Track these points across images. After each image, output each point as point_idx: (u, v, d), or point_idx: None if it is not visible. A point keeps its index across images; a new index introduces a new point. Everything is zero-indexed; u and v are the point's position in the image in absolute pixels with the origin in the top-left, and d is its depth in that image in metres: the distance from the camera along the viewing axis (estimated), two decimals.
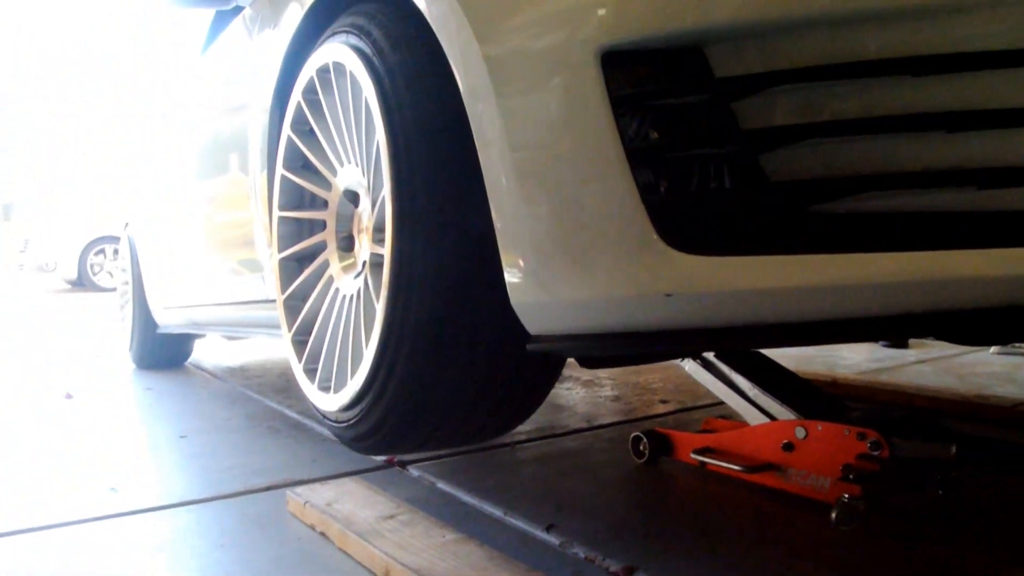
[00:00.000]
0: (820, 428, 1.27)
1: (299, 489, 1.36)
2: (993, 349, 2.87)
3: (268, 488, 1.50)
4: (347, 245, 1.40)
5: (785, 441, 1.31)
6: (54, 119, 20.29)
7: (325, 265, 1.45)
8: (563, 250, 0.92)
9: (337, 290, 1.41)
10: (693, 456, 1.44)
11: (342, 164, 1.39)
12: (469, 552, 1.07)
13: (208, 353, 3.82)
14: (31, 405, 2.51)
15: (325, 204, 1.46)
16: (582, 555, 1.13)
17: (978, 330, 0.94)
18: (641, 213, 0.84)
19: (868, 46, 0.79)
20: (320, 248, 1.47)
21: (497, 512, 1.31)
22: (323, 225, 1.46)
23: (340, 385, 1.31)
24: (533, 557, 1.12)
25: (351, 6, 1.33)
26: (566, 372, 2.74)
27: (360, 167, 1.32)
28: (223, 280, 2.23)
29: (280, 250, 1.56)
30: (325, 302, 1.44)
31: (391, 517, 1.20)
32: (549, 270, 0.94)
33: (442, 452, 1.65)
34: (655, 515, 1.32)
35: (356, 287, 1.33)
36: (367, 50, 1.20)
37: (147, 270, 3.17)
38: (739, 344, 1.08)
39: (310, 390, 1.42)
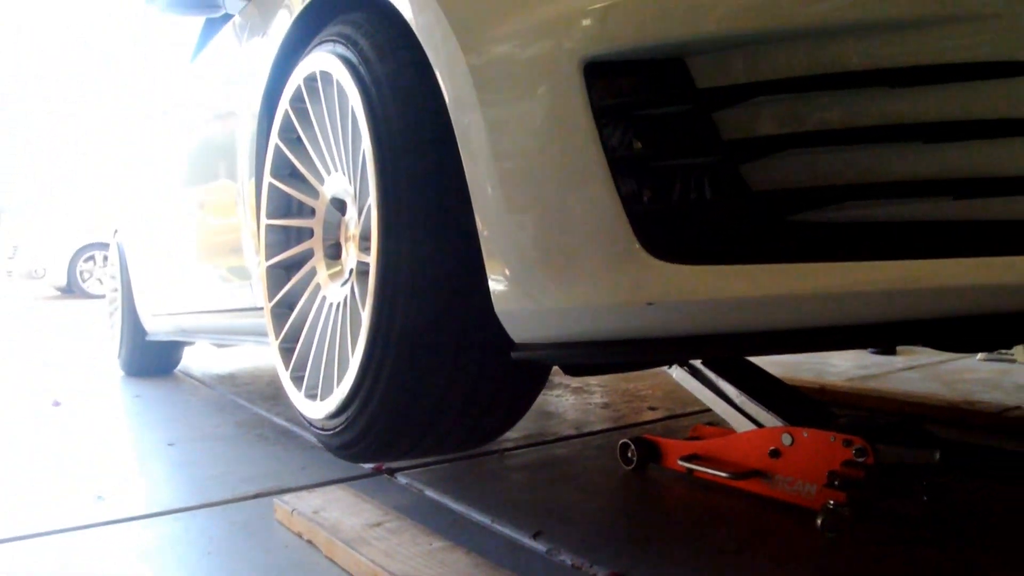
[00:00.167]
0: (806, 435, 1.27)
1: (286, 497, 1.36)
2: (979, 355, 2.89)
3: (256, 496, 1.50)
4: (334, 253, 1.40)
5: (772, 448, 1.31)
6: (54, 119, 20.20)
7: (312, 273, 1.45)
8: (547, 259, 0.93)
9: (324, 298, 1.41)
10: (681, 463, 1.45)
11: (329, 172, 1.40)
12: (456, 559, 1.07)
13: (197, 360, 3.81)
14: (18, 413, 2.50)
15: (312, 212, 1.46)
16: (569, 562, 1.13)
17: (962, 337, 0.95)
18: (623, 222, 0.84)
19: (845, 58, 0.80)
20: (307, 256, 1.47)
21: (485, 519, 1.31)
22: (310, 233, 1.47)
23: (326, 393, 1.31)
24: (520, 564, 1.12)
25: (339, 15, 1.33)
26: (556, 379, 2.75)
27: (347, 175, 1.32)
28: (211, 287, 2.22)
29: (268, 258, 1.56)
30: (312, 310, 1.44)
31: (378, 525, 1.20)
32: (533, 278, 0.95)
33: (430, 460, 1.65)
34: (642, 522, 1.33)
35: (343, 295, 1.33)
36: (354, 59, 1.20)
37: (136, 277, 3.16)
38: (721, 352, 1.08)
39: (297, 398, 1.42)
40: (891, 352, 3.08)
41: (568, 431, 1.96)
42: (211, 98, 2.17)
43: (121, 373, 3.43)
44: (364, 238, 1.24)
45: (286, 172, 1.54)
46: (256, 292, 1.76)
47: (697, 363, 1.55)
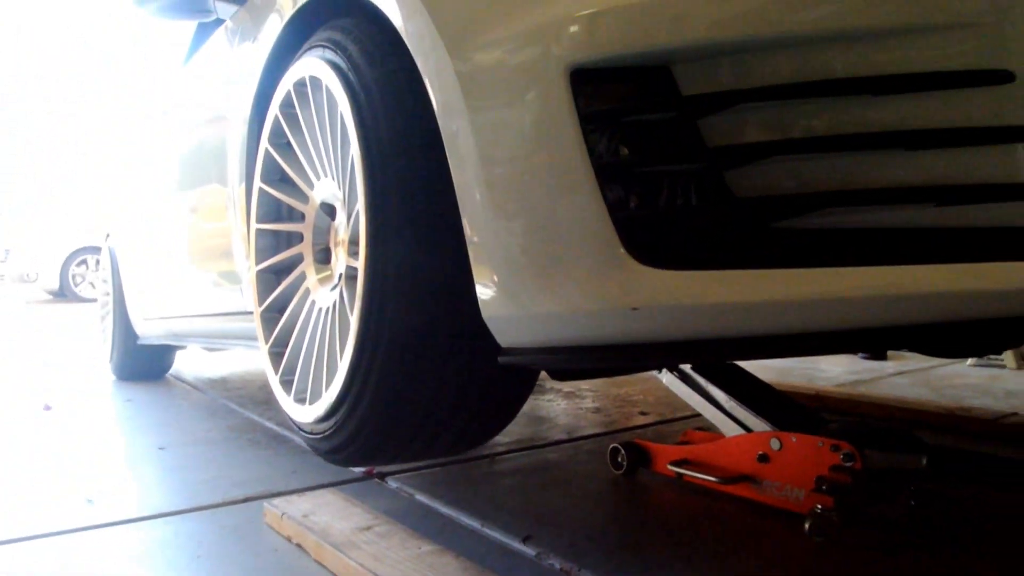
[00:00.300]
0: (795, 440, 1.28)
1: (276, 501, 1.36)
2: (969, 361, 2.90)
3: (246, 500, 1.50)
4: (324, 258, 1.40)
5: (760, 453, 1.32)
6: (54, 119, 20.13)
7: (302, 277, 1.46)
8: (533, 264, 0.93)
9: (314, 302, 1.41)
10: (670, 467, 1.45)
11: (319, 177, 1.40)
12: (445, 563, 1.07)
13: (189, 365, 3.80)
14: (8, 416, 2.49)
15: (302, 217, 1.47)
16: (558, 566, 1.13)
17: (948, 343, 0.96)
18: (608, 228, 0.85)
19: (829, 66, 0.81)
20: (297, 260, 1.48)
21: (475, 524, 1.31)
22: (300, 238, 1.47)
23: (315, 397, 1.31)
24: (510, 568, 1.12)
25: (329, 21, 1.34)
26: (548, 384, 2.75)
27: (336, 180, 1.33)
28: (202, 291, 2.22)
29: (258, 262, 1.56)
30: (302, 314, 1.44)
31: (368, 529, 1.20)
32: (520, 283, 0.95)
33: (421, 464, 1.65)
34: (632, 526, 1.33)
35: (332, 299, 1.33)
36: (343, 65, 1.21)
37: (127, 281, 3.16)
38: (706, 357, 1.09)
39: (286, 402, 1.42)
40: (882, 357, 3.09)
41: (559, 436, 1.96)
42: (202, 102, 2.17)
43: (113, 377, 3.43)
44: (353, 243, 1.25)
45: (276, 177, 1.54)
46: (246, 296, 1.76)
47: (687, 368, 1.56)
